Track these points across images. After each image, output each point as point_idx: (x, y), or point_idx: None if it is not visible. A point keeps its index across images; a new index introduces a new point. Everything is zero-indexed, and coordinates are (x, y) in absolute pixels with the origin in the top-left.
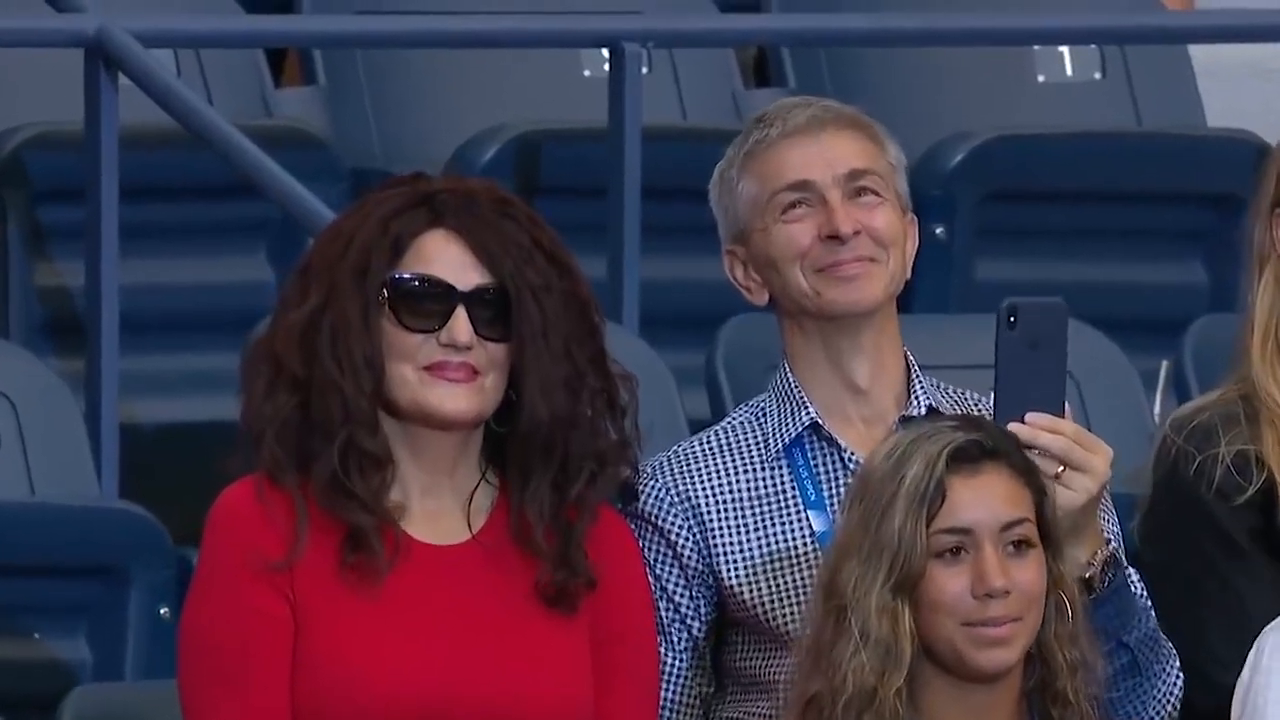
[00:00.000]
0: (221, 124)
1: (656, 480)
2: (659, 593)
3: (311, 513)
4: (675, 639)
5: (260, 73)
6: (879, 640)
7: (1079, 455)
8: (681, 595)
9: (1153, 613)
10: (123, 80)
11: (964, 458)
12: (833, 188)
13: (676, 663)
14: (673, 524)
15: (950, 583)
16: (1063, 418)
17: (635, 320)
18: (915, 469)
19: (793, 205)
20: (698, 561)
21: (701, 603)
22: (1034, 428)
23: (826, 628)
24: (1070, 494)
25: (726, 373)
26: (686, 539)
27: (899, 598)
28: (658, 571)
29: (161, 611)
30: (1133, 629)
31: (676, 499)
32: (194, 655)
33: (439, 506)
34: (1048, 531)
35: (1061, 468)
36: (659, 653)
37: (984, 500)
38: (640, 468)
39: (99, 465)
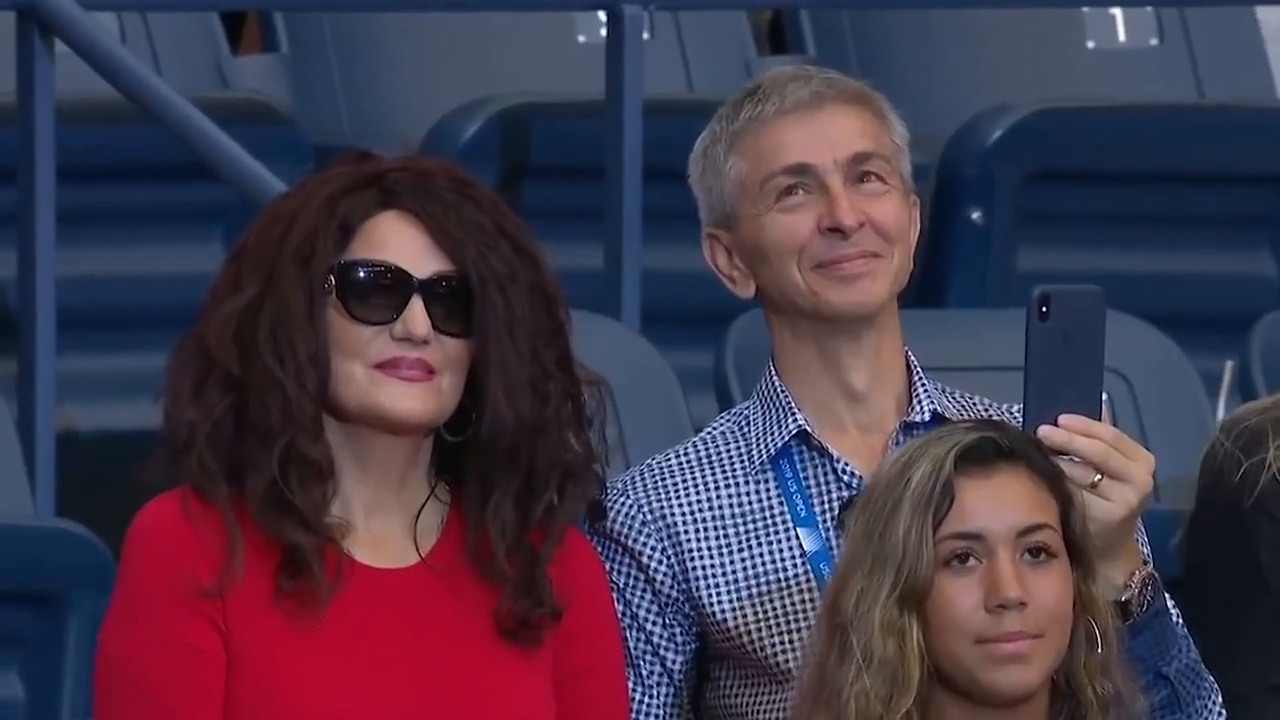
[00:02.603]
0: (171, 96)
1: (627, 497)
2: (629, 622)
3: (245, 532)
4: (647, 673)
5: (215, 39)
6: (884, 661)
7: (1118, 462)
8: (655, 624)
9: (1192, 642)
10: (60, 47)
11: (975, 458)
12: (834, 173)
13: (647, 699)
14: (645, 545)
15: (961, 595)
16: (1099, 420)
17: (636, 316)
18: (922, 471)
19: (789, 191)
20: (673, 587)
21: (678, 632)
22: (1068, 431)
23: (831, 652)
24: (1108, 506)
25: (737, 374)
26: (660, 562)
27: (905, 613)
28: (628, 598)
29: None
30: (1172, 659)
31: (649, 517)
32: (115, 693)
33: (385, 525)
34: (1077, 547)
35: (1098, 476)
36: (629, 690)
37: (997, 503)
38: (609, 484)
39: (33, 479)
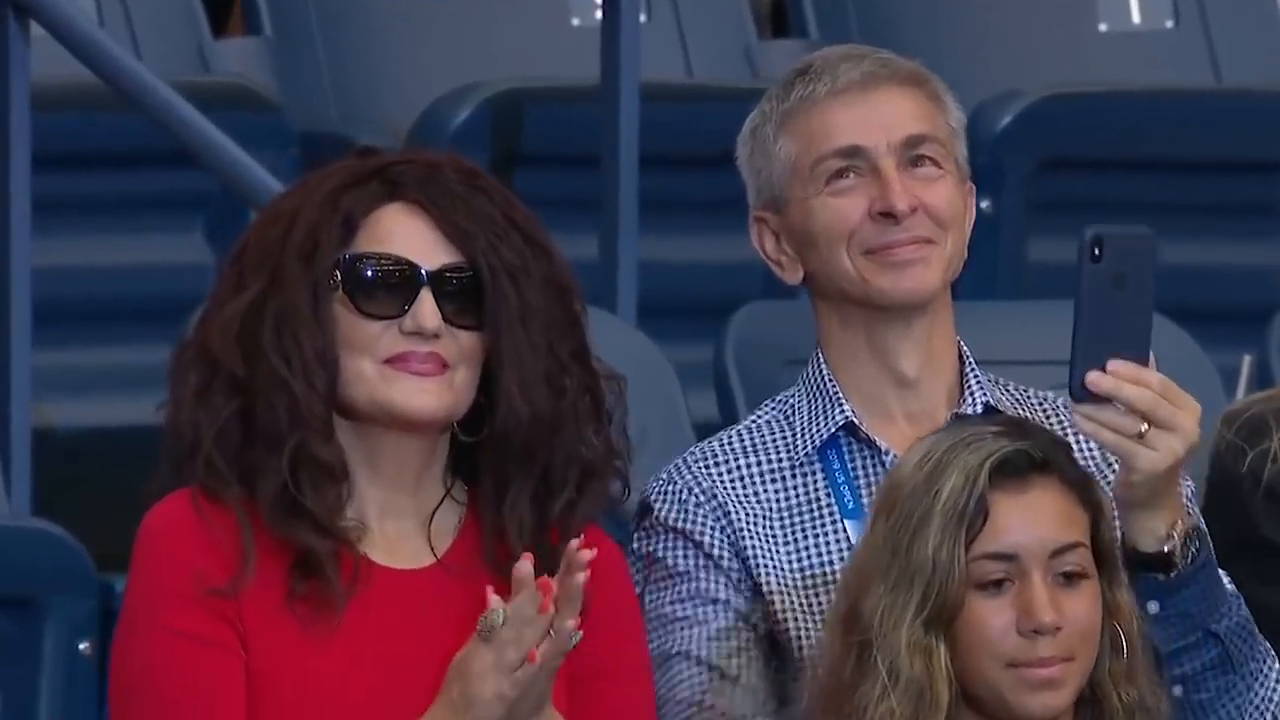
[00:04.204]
0: (152, 81)
1: (674, 482)
2: (702, 602)
3: (256, 533)
4: (742, 643)
5: (196, 21)
6: (911, 681)
7: (1166, 411)
8: (736, 598)
9: (1244, 603)
10: (36, 30)
11: (1009, 471)
12: (887, 156)
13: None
14: (702, 526)
15: (992, 616)
16: (1147, 366)
17: (632, 308)
18: (953, 483)
19: (840, 174)
20: (737, 566)
21: (757, 607)
22: (1117, 378)
23: (847, 665)
24: (1153, 456)
25: (738, 369)
26: (720, 541)
27: (933, 633)
28: (703, 587)
29: (82, 647)
30: (1222, 616)
31: (701, 499)
32: (133, 698)
33: (399, 528)
34: (1103, 553)
35: (1145, 426)
36: (653, 692)
37: (1032, 521)
38: (653, 478)
39: (8, 477)
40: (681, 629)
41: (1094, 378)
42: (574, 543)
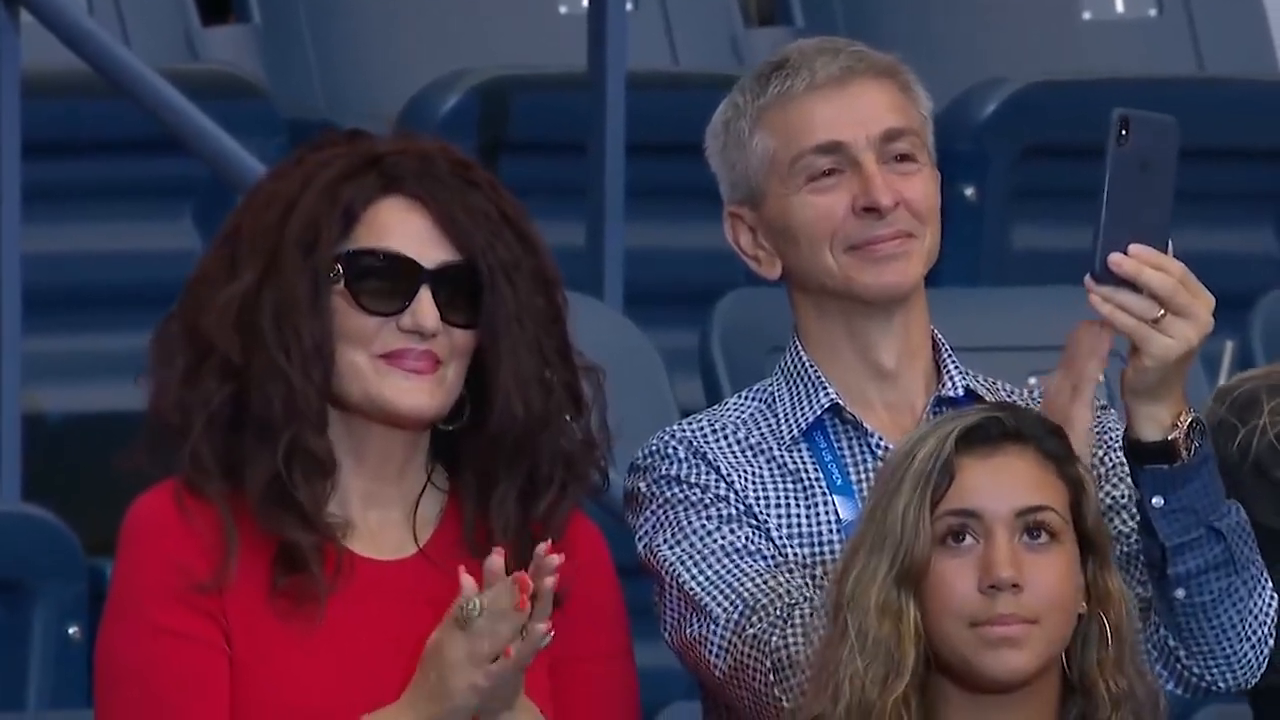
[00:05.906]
0: (140, 68)
1: (670, 440)
2: (730, 546)
3: (241, 528)
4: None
5: (185, 9)
6: (878, 642)
7: (1184, 299)
8: (750, 518)
9: (1243, 508)
10: (25, 17)
11: (979, 437)
12: (867, 150)
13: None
14: (707, 477)
15: (956, 577)
16: (1167, 254)
17: (619, 295)
18: (926, 449)
19: (820, 170)
20: (745, 508)
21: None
22: (1138, 261)
23: (832, 635)
24: (1168, 343)
25: (724, 356)
26: (719, 481)
27: (903, 593)
28: (710, 526)
29: (71, 632)
30: (1224, 515)
31: (699, 449)
32: (116, 691)
33: (382, 518)
34: (1090, 537)
35: (1162, 312)
36: (634, 675)
37: (997, 482)
38: (644, 448)
39: None
40: (709, 537)
41: (1117, 259)
42: (542, 546)
